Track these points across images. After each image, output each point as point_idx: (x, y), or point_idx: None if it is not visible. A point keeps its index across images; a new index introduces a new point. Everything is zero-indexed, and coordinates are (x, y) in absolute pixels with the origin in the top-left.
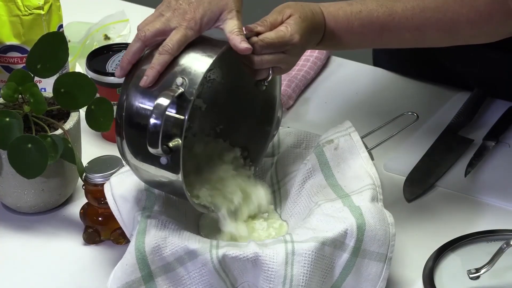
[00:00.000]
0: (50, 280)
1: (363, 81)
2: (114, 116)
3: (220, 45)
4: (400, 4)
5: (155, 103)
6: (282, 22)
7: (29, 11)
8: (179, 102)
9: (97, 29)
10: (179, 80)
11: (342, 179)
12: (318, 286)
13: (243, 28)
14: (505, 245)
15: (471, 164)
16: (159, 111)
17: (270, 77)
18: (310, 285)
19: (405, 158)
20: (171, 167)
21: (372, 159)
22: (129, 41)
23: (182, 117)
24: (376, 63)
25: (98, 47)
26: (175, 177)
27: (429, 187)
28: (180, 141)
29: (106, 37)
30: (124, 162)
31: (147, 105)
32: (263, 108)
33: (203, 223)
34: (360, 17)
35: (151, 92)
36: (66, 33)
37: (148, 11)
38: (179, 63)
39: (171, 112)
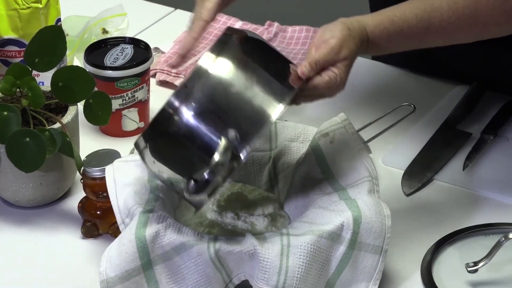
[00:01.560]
0: (48, 274)
1: (361, 75)
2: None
3: (278, 98)
4: (436, 14)
5: (213, 159)
6: (335, 63)
7: (27, 5)
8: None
9: (95, 23)
10: (231, 134)
11: (338, 172)
12: (315, 279)
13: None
14: (503, 239)
15: (469, 157)
16: (214, 170)
17: (301, 103)
18: (307, 277)
19: (403, 152)
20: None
21: (370, 152)
22: (127, 35)
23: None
24: (374, 57)
25: (96, 41)
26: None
27: (427, 181)
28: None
29: (104, 31)
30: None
31: (197, 129)
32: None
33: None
34: (401, 35)
35: (211, 116)
36: (64, 27)
37: (146, 5)
38: (244, 98)
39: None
